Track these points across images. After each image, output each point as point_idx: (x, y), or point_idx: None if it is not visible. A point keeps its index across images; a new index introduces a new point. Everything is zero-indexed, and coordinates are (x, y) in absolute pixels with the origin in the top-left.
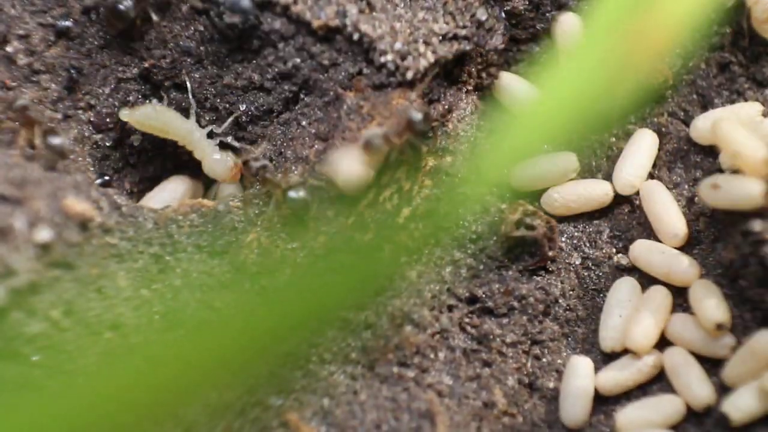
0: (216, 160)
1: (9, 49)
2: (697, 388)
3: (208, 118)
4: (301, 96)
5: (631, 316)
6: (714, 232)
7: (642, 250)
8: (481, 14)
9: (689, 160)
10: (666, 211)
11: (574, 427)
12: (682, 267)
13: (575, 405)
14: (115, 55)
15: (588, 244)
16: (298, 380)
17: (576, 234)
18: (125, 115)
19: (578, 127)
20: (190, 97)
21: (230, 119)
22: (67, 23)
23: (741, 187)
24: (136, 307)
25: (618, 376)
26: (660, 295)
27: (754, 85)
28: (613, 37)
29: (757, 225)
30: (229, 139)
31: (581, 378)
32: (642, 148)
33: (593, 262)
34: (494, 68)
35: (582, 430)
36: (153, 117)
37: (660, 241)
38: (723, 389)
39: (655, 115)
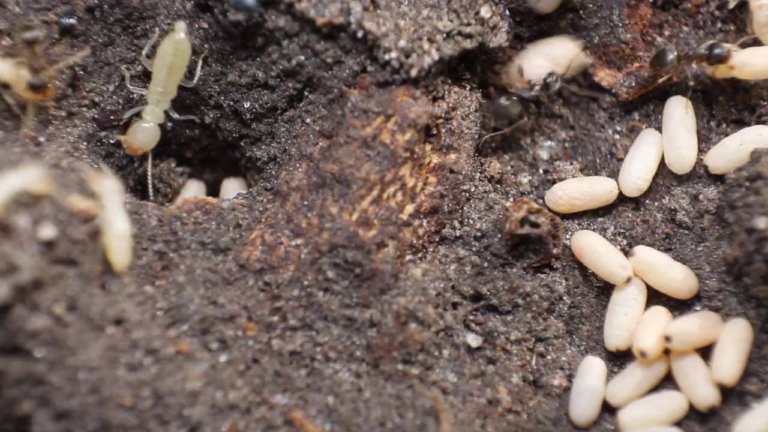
0: (144, 128)
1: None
2: (703, 388)
3: (212, 116)
4: (306, 93)
5: (638, 316)
6: (718, 230)
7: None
8: (486, 12)
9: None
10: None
11: (584, 425)
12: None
13: (587, 404)
14: (119, 53)
15: None
16: (303, 378)
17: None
18: (181, 27)
19: None
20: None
21: (191, 117)
22: (71, 21)
23: None
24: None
25: (628, 389)
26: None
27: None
28: None
29: (761, 222)
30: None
31: (594, 378)
32: (649, 149)
33: None
34: (498, 66)
35: (587, 428)
36: (182, 51)
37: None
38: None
39: (659, 112)
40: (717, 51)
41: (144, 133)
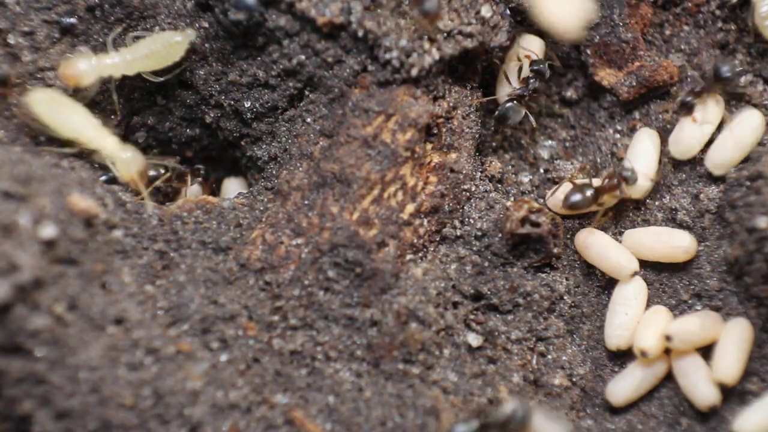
0: (87, 62)
1: (14, 45)
2: (704, 388)
3: (213, 115)
4: (306, 93)
5: (638, 315)
6: (719, 229)
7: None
8: (486, 11)
9: (694, 156)
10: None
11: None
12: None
13: None
14: None
15: None
16: (304, 378)
17: None
18: (189, 34)
19: None
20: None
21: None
22: (72, 20)
23: None
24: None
25: (629, 389)
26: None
27: (760, 81)
28: None
29: (762, 222)
30: None
31: None
32: (647, 148)
33: None
34: (499, 65)
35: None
36: (173, 48)
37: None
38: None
39: (660, 111)
40: None
41: (86, 64)
